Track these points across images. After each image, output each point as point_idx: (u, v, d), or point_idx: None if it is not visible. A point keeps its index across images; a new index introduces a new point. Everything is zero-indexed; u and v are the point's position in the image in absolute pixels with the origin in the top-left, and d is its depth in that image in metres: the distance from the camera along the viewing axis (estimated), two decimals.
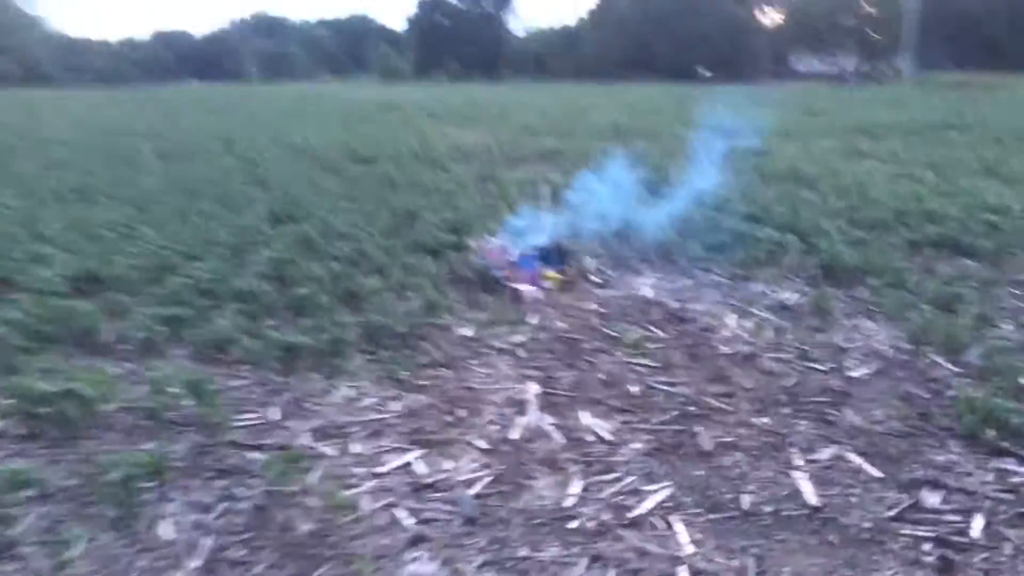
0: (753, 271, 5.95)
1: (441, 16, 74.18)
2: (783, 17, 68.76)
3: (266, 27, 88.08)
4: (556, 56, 68.49)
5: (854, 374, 4.12)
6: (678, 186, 8.91)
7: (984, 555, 2.61)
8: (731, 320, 4.98)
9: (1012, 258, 6.22)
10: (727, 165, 11.29)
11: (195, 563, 2.51)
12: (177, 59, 79.34)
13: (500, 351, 4.46)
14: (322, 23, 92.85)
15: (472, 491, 2.99)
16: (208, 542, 2.63)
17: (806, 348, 4.45)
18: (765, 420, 3.61)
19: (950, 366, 4.19)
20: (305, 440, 3.36)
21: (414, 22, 75.71)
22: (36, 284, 5.01)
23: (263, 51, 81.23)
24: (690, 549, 2.63)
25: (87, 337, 4.34)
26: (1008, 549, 2.64)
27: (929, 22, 56.47)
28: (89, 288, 5.14)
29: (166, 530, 2.69)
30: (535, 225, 6.37)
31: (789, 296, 5.42)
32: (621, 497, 2.96)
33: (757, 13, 69.93)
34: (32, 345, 4.14)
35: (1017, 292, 5.51)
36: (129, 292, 5.07)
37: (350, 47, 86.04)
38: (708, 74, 61.65)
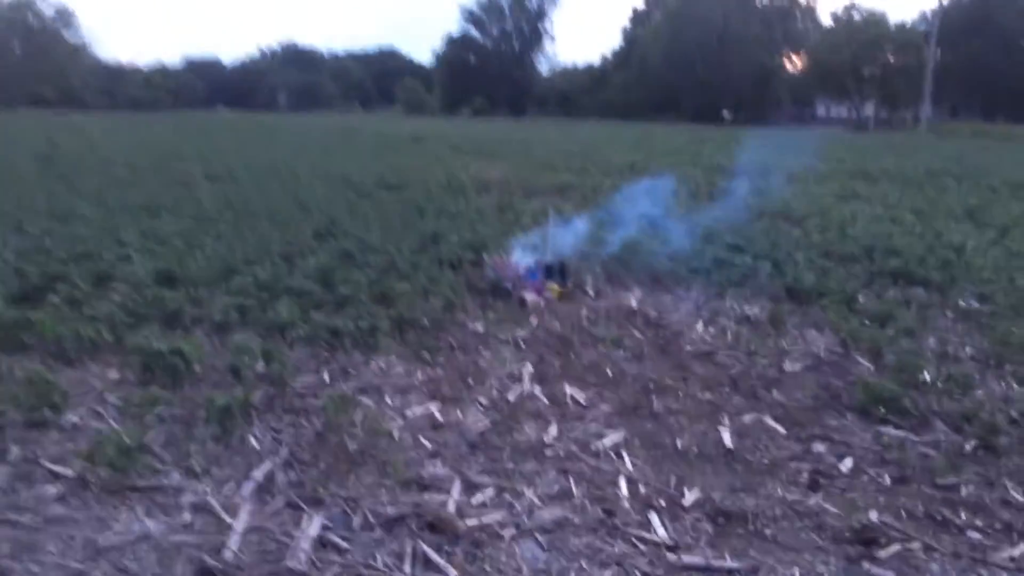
0: (726, 290, 6.94)
1: (468, 52, 76.14)
2: (807, 64, 69.98)
3: (295, 57, 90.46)
4: (581, 95, 69.95)
5: (788, 368, 5.11)
6: (676, 219, 9.97)
7: (846, 480, 3.59)
8: (699, 327, 5.99)
9: (955, 288, 7.16)
10: (726, 202, 12.36)
11: (276, 461, 3.54)
12: (208, 87, 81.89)
13: (504, 342, 5.48)
14: (351, 55, 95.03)
15: (476, 430, 4.01)
16: (284, 450, 3.66)
17: (755, 348, 5.44)
18: (708, 395, 4.61)
19: (869, 365, 5.16)
20: (349, 394, 4.38)
21: (441, 57, 77.66)
22: (129, 278, 6.12)
23: (292, 81, 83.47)
24: (630, 468, 3.63)
25: (174, 318, 5.41)
26: (864, 479, 3.62)
27: (955, 73, 57.56)
28: (169, 283, 6.23)
29: (253, 442, 3.72)
30: (542, 246, 7.41)
31: (753, 311, 6.41)
32: (586, 438, 3.97)
33: (781, 59, 71.32)
34: (133, 322, 5.22)
35: (950, 314, 6.46)
36: (202, 286, 6.16)
37: (378, 80, 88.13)
38: (729, 117, 62.92)
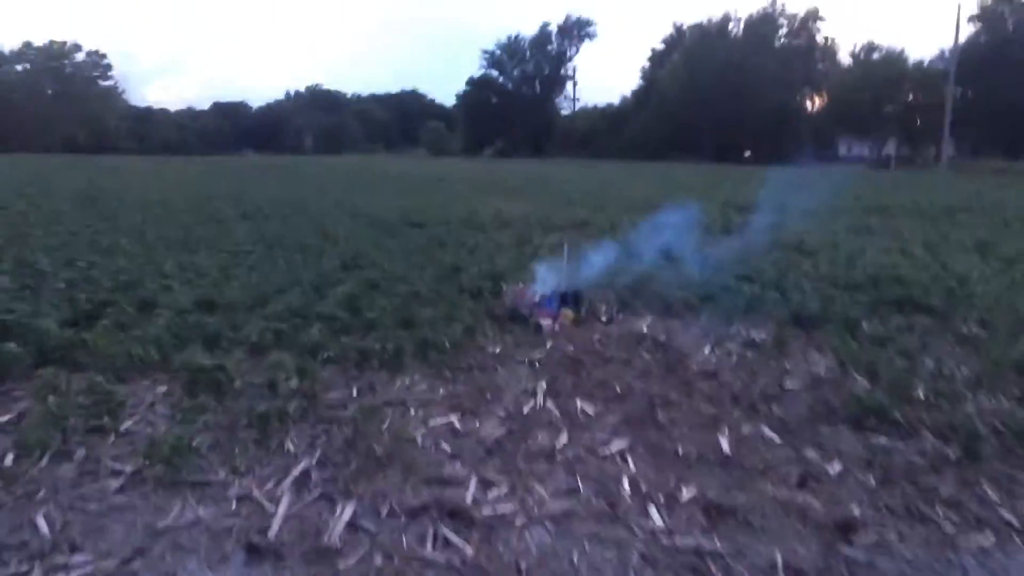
0: (734, 317, 7.26)
1: (490, 94, 77.54)
2: (827, 103, 70.50)
3: (320, 100, 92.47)
4: (601, 135, 70.85)
5: (788, 386, 5.42)
6: (689, 251, 10.33)
7: (833, 481, 3.89)
8: (706, 350, 6.32)
9: (956, 314, 7.43)
10: (740, 236, 12.72)
11: (312, 461, 3.91)
12: (235, 130, 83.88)
13: (520, 363, 5.84)
14: (374, 98, 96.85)
15: (492, 437, 4.36)
16: (318, 453, 4.03)
17: (757, 369, 5.76)
18: (710, 409, 4.92)
19: (866, 383, 5.45)
20: (377, 406, 4.76)
21: (463, 99, 79.15)
22: (172, 305, 6.58)
23: (317, 124, 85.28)
24: (633, 470, 3.96)
25: (214, 340, 5.83)
26: (851, 480, 3.91)
27: (976, 109, 57.79)
28: (209, 309, 6.68)
29: (289, 446, 4.10)
30: (559, 276, 7.80)
31: (758, 336, 6.73)
32: (594, 444, 4.31)
33: (801, 98, 71.96)
34: (177, 343, 5.65)
35: (950, 339, 6.73)
36: (239, 312, 6.60)
37: (401, 122, 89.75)
38: (749, 156, 63.37)
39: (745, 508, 3.55)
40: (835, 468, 4.04)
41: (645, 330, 6.88)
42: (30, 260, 8.65)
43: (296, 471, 3.79)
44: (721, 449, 4.28)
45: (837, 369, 5.79)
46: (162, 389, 4.90)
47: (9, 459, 3.80)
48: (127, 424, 4.30)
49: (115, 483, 3.63)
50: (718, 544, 3.21)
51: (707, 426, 4.64)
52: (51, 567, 2.92)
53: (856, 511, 3.53)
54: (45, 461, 3.79)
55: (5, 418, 4.36)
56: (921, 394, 5.13)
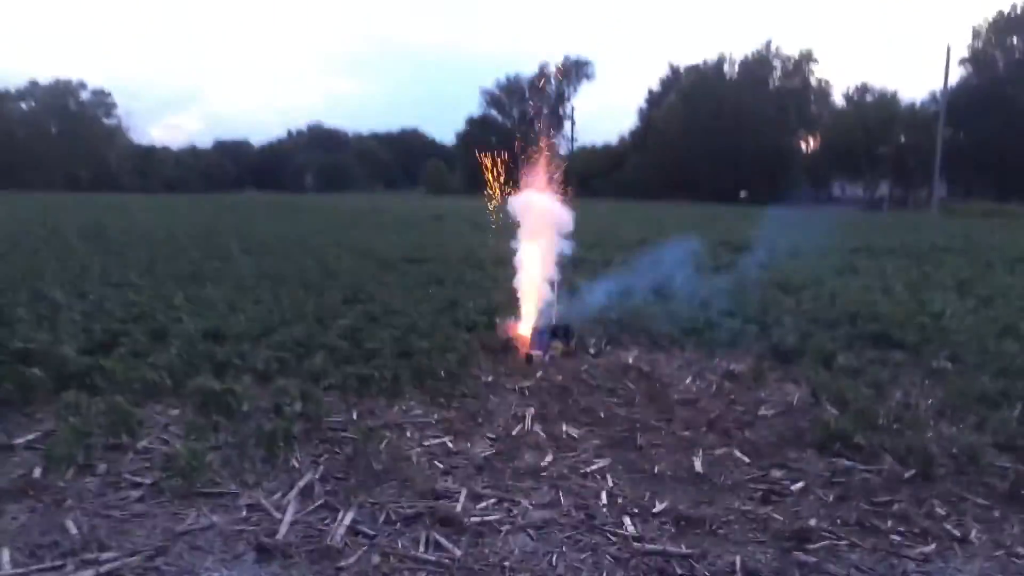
0: (716, 350, 7.63)
1: (489, 134, 78.62)
2: (821, 144, 71.53)
3: (321, 139, 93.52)
4: (599, 175, 71.67)
5: (762, 413, 5.77)
6: (677, 288, 10.75)
7: (795, 497, 4.23)
8: (687, 380, 6.68)
9: (928, 349, 7.79)
10: (727, 274, 13.12)
11: (315, 476, 4.25)
12: (236, 168, 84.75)
13: (511, 390, 6.20)
14: (375, 136, 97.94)
15: (483, 456, 4.70)
16: (321, 468, 4.38)
17: (734, 398, 6.11)
18: (687, 433, 5.27)
19: (835, 412, 5.80)
20: (375, 428, 5.11)
21: (463, 138, 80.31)
22: (183, 335, 6.95)
23: (319, 162, 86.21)
24: (611, 486, 4.30)
25: (223, 368, 6.18)
26: (811, 497, 4.25)
27: (968, 152, 58.65)
28: (217, 339, 7.05)
29: (294, 462, 4.44)
30: (550, 311, 8.17)
31: (738, 367, 7.09)
32: (577, 464, 4.65)
33: (795, 140, 73.02)
34: (188, 370, 6.01)
35: (919, 372, 7.09)
36: (246, 342, 6.96)
37: (402, 160, 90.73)
38: (745, 197, 64.08)
39: (711, 519, 3.88)
40: (797, 486, 4.39)
41: (631, 361, 7.24)
42: (45, 293, 9.03)
43: (301, 484, 4.13)
44: (694, 469, 4.62)
45: (809, 398, 6.14)
46: (175, 411, 5.26)
47: (38, 472, 4.15)
48: (144, 442, 4.65)
49: (135, 493, 3.97)
50: (684, 549, 3.55)
51: (683, 448, 4.98)
52: (83, 563, 3.25)
53: (813, 523, 3.87)
54: (71, 474, 4.13)
55: (32, 436, 4.71)
56: (885, 421, 5.47)
